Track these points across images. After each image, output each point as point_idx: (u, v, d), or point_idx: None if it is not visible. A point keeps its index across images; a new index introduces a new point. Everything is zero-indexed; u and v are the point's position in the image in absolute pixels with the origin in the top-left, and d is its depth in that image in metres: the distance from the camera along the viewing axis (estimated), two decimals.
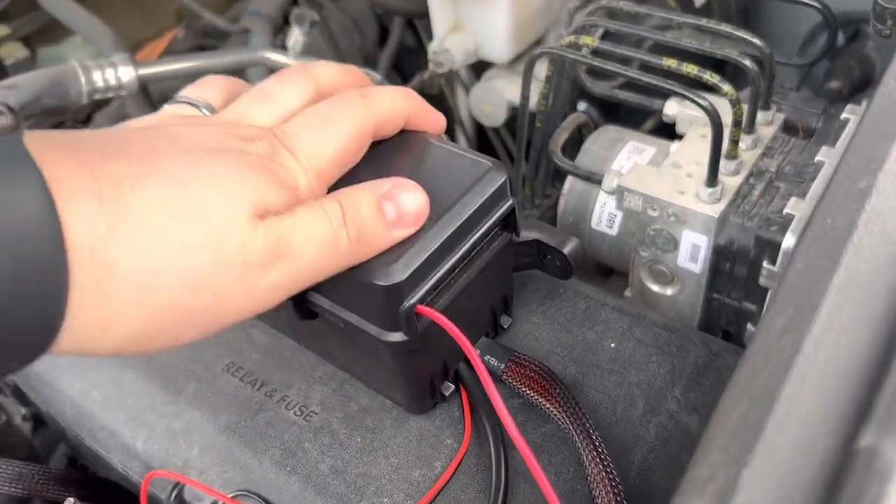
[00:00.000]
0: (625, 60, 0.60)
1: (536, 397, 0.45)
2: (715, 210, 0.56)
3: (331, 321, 0.42)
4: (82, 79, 0.72)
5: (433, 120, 0.45)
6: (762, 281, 0.56)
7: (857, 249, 0.27)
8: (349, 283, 0.39)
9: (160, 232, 0.31)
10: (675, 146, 0.62)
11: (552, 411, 0.44)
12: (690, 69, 0.56)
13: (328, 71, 0.43)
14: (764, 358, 0.25)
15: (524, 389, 0.45)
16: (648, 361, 0.48)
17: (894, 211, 0.28)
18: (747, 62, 0.56)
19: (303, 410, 0.48)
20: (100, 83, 0.73)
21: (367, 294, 0.39)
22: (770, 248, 0.54)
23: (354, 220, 0.37)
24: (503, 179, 0.42)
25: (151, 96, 0.86)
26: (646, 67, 0.58)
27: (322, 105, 0.40)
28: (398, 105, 0.42)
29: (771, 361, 0.25)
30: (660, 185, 0.58)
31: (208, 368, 0.51)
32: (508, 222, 0.44)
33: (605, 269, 0.76)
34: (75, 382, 0.53)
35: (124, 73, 0.74)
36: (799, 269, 0.27)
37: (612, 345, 0.50)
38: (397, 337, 0.40)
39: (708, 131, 0.61)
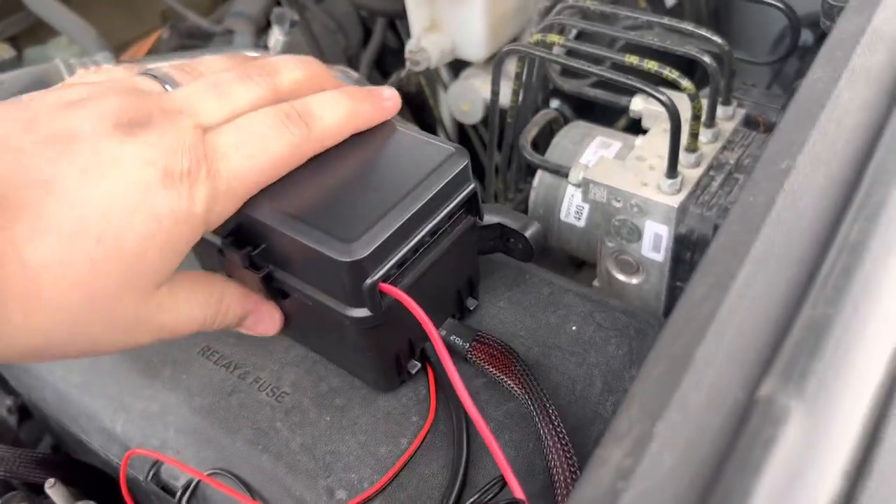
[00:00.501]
0: (591, 58, 0.62)
1: (499, 374, 0.47)
2: (675, 200, 0.58)
3: (300, 301, 0.44)
4: (65, 77, 0.74)
5: (380, 119, 0.45)
6: None
7: (775, 223, 0.29)
8: (314, 260, 0.41)
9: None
10: (639, 140, 0.65)
11: (513, 388, 0.46)
12: (651, 65, 0.58)
13: (292, 76, 0.43)
14: (684, 323, 0.27)
15: (488, 367, 0.47)
16: (607, 344, 0.51)
17: (810, 188, 0.30)
18: (705, 58, 0.58)
19: (274, 391, 0.50)
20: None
21: (331, 270, 0.41)
22: None
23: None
24: (465, 163, 0.45)
25: None
26: (613, 65, 0.60)
27: (265, 120, 0.40)
28: (343, 127, 0.43)
29: (690, 326, 0.27)
30: (623, 177, 0.60)
31: (184, 352, 0.53)
32: (471, 206, 0.46)
33: (578, 260, 0.78)
34: (56, 369, 0.55)
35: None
36: (721, 243, 0.29)
37: (574, 328, 0.52)
38: (361, 313, 0.42)
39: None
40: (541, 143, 0.71)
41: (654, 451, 0.23)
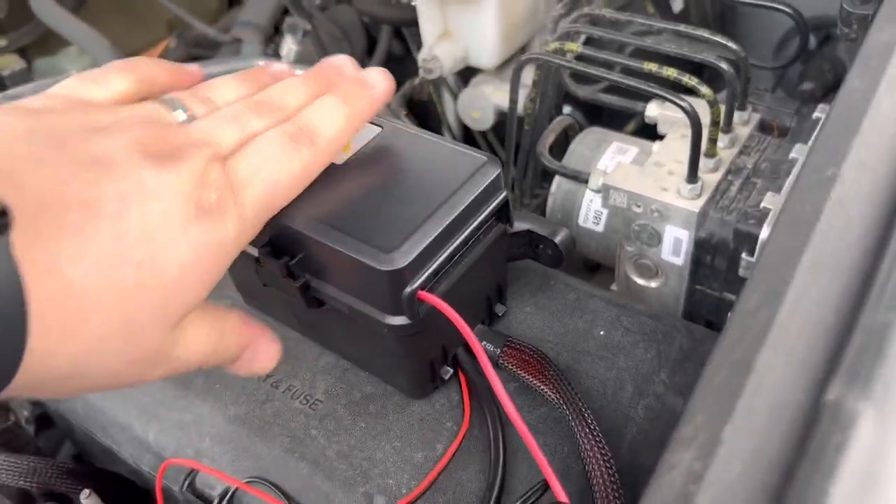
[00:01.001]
0: (608, 65, 0.63)
1: (532, 380, 0.47)
2: (695, 205, 0.59)
3: (336, 309, 0.45)
4: None
5: (376, 109, 0.44)
6: (742, 272, 0.59)
7: (824, 232, 0.30)
8: (354, 269, 0.41)
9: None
10: (656, 146, 0.65)
11: (547, 393, 0.47)
12: (670, 72, 0.59)
13: (299, 101, 0.42)
14: (741, 331, 0.28)
15: (520, 373, 0.48)
16: (636, 347, 0.51)
17: (856, 198, 0.31)
18: (723, 65, 0.59)
19: (308, 399, 0.50)
20: None
21: (370, 279, 0.41)
22: (748, 241, 0.57)
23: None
24: (497, 172, 0.45)
25: None
26: (628, 71, 0.61)
27: (275, 143, 0.39)
28: (345, 133, 0.42)
29: (747, 334, 0.28)
30: (643, 182, 0.61)
31: None
32: (502, 214, 0.47)
33: (593, 264, 0.79)
34: None
35: None
36: (771, 252, 0.30)
37: (602, 332, 0.52)
38: (400, 321, 0.42)
39: (688, 131, 0.65)
40: (555, 150, 0.72)
41: (724, 456, 0.24)
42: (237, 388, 0.51)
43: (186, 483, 0.49)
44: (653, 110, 0.69)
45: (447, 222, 0.43)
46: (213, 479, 0.49)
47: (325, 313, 0.47)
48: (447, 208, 0.43)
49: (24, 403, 0.68)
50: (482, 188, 0.45)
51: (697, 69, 0.62)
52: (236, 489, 0.47)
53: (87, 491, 0.51)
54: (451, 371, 0.49)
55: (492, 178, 0.45)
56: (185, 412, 0.51)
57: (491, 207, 0.46)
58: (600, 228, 0.68)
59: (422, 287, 0.42)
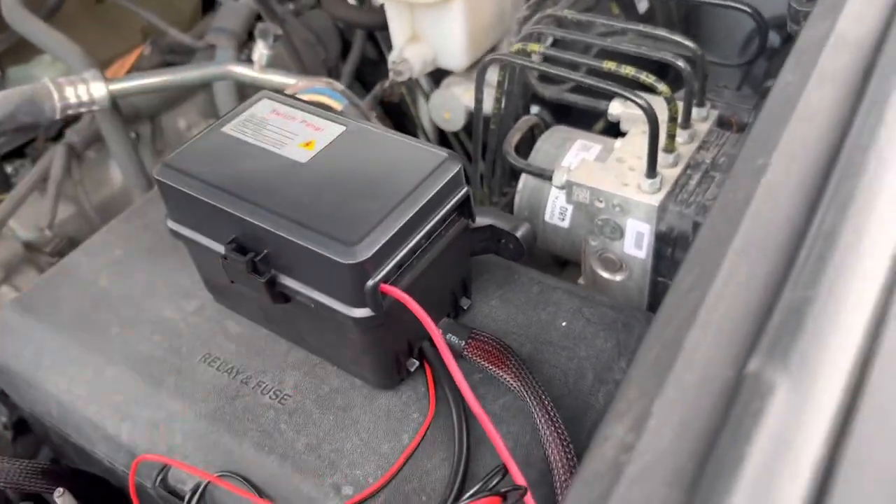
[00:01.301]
0: (572, 65, 0.64)
1: (495, 370, 0.49)
2: (655, 199, 0.60)
3: (302, 304, 0.46)
4: (55, 95, 0.75)
5: None
6: None
7: (754, 216, 0.31)
8: (317, 263, 0.43)
9: None
10: (618, 143, 0.67)
11: (509, 382, 0.48)
12: (628, 71, 0.61)
13: None
14: (674, 310, 0.29)
15: (483, 363, 0.49)
16: (596, 337, 0.53)
17: (784, 185, 0.32)
18: (680, 63, 0.61)
19: (277, 394, 0.51)
20: (73, 99, 0.76)
21: (334, 273, 0.43)
22: None
23: None
24: (458, 168, 0.47)
25: (122, 112, 0.89)
26: (590, 71, 0.63)
27: None
28: None
29: (679, 313, 0.29)
30: (605, 178, 0.62)
31: (186, 360, 0.54)
32: (464, 209, 0.48)
33: (562, 260, 0.80)
34: (60, 381, 0.56)
35: (96, 89, 0.77)
36: (705, 236, 0.32)
37: (564, 323, 0.54)
38: (363, 313, 0.44)
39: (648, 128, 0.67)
40: (523, 148, 0.74)
41: (653, 427, 0.26)
42: (208, 386, 0.52)
43: (159, 479, 0.50)
44: (615, 108, 0.71)
45: (409, 216, 0.44)
46: (185, 474, 0.50)
47: (291, 308, 0.48)
48: (409, 203, 0.44)
49: (0, 409, 0.68)
50: (443, 183, 0.46)
51: (661, 68, 0.63)
52: (208, 483, 0.48)
53: (60, 489, 0.51)
54: (417, 363, 0.51)
55: (452, 173, 0.47)
56: (158, 410, 0.52)
57: (452, 202, 0.47)
58: (566, 224, 0.69)
59: (384, 280, 0.43)
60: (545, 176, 0.68)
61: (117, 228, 0.65)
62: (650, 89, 0.60)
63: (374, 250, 0.42)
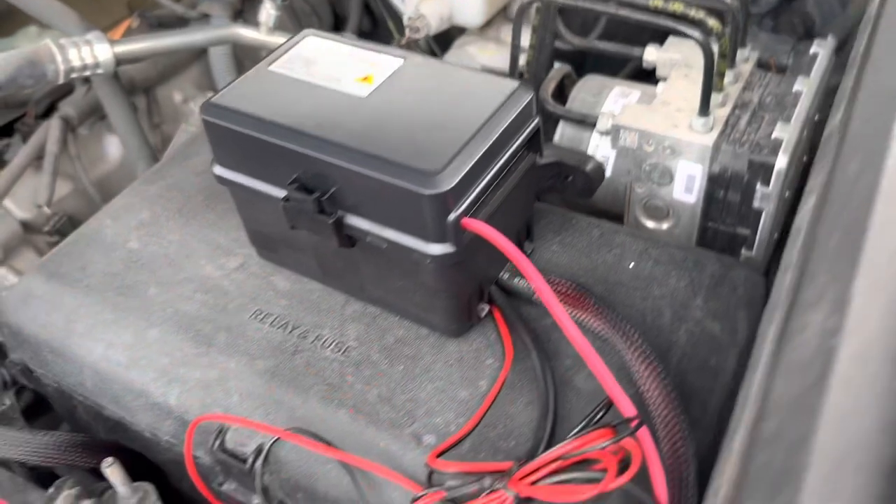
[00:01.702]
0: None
1: (572, 311, 0.46)
2: (708, 139, 0.59)
3: (370, 247, 0.43)
4: (58, 58, 0.71)
5: None
6: (756, 203, 0.59)
7: None
8: (394, 196, 0.40)
9: None
10: (660, 87, 0.65)
11: (590, 322, 0.46)
12: (677, 6, 0.59)
13: None
14: (844, 197, 0.27)
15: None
16: (668, 277, 0.51)
17: None
18: None
19: (340, 347, 0.48)
20: (76, 62, 0.72)
21: (412, 206, 0.40)
22: (763, 171, 0.57)
23: None
24: (531, 97, 0.44)
25: (121, 81, 0.84)
26: (630, 7, 0.60)
27: None
28: None
29: (851, 200, 0.27)
30: (653, 120, 0.60)
31: (235, 317, 0.51)
32: (533, 143, 0.46)
33: (597, 212, 0.78)
34: (96, 348, 0.52)
35: (101, 51, 0.73)
36: (858, 122, 0.29)
37: (631, 265, 0.52)
38: (443, 249, 0.41)
39: (690, 71, 0.65)
40: (554, 101, 0.71)
41: (858, 308, 0.23)
42: (263, 343, 0.49)
43: (217, 443, 0.47)
44: (651, 54, 0.69)
45: (487, 146, 0.41)
46: (244, 436, 0.46)
47: (354, 254, 0.46)
48: (485, 132, 0.42)
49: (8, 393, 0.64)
50: (517, 113, 0.43)
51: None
52: (276, 439, 0.45)
53: (109, 459, 0.48)
54: (487, 308, 0.48)
55: (525, 103, 0.44)
56: (210, 370, 0.49)
57: (525, 134, 0.45)
58: (607, 173, 0.67)
59: (465, 214, 0.41)
60: (587, 122, 0.65)
61: (140, 190, 0.61)
62: (695, 25, 0.59)
63: (456, 180, 0.39)
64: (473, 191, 0.41)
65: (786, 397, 0.23)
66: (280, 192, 0.45)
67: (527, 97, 0.44)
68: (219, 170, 0.48)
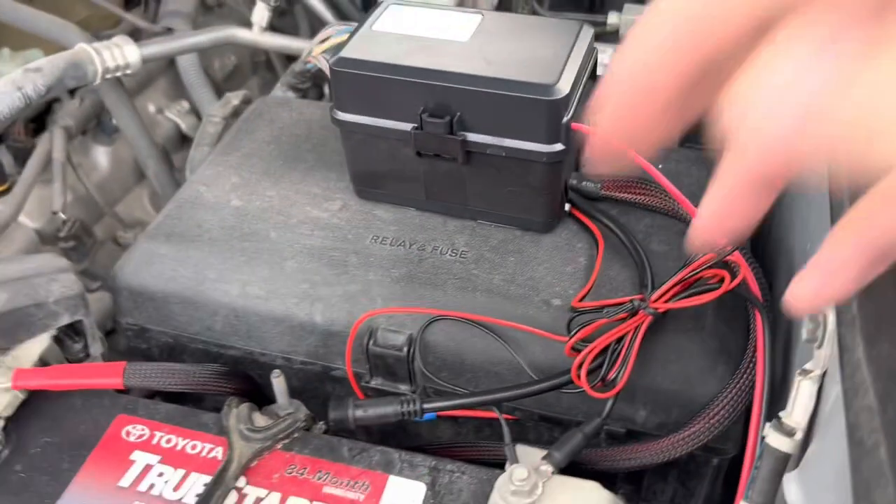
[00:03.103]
0: None
1: (636, 198, 0.60)
2: None
3: (482, 162, 0.54)
4: (97, 59, 0.76)
5: None
6: None
7: None
8: (517, 108, 0.51)
9: None
10: None
11: (653, 204, 0.59)
12: None
13: None
14: None
15: (624, 195, 0.60)
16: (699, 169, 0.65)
17: None
18: None
19: (455, 252, 0.59)
20: (111, 63, 0.77)
21: (535, 114, 0.51)
22: None
23: None
24: (592, 32, 0.57)
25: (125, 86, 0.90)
26: None
27: None
28: None
29: None
30: None
31: (359, 243, 0.60)
32: (594, 71, 0.59)
33: None
34: (232, 289, 0.59)
35: (130, 53, 0.79)
36: None
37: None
38: (558, 147, 0.53)
39: None
40: None
41: None
42: (391, 257, 0.59)
43: (370, 342, 0.56)
44: (614, 17, 0.84)
45: (579, 64, 0.54)
46: (392, 332, 0.55)
47: (465, 171, 0.56)
48: (575, 54, 0.54)
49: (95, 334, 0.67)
50: (587, 43, 0.56)
51: None
52: (430, 321, 0.54)
53: (277, 371, 0.55)
54: (569, 204, 0.60)
55: (590, 36, 0.57)
56: (351, 284, 0.57)
57: (592, 60, 0.57)
58: None
59: (571, 119, 0.53)
60: None
61: (220, 161, 0.69)
62: None
63: (567, 89, 0.52)
64: (574, 100, 0.53)
65: None
66: (406, 126, 0.55)
67: (589, 32, 0.57)
68: (343, 115, 0.57)
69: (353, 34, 0.58)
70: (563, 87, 0.51)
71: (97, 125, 0.98)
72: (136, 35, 1.11)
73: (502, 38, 0.56)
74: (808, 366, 0.40)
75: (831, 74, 0.20)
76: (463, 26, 0.57)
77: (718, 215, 0.24)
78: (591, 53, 0.57)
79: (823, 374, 0.40)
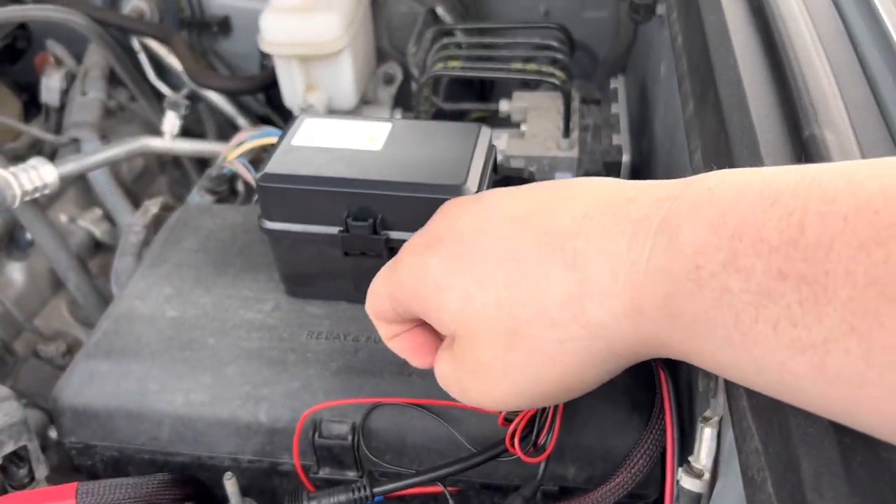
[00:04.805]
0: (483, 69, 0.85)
1: None
2: (574, 154, 0.83)
3: None
4: (14, 184, 0.78)
5: None
6: None
7: None
8: (431, 208, 0.57)
9: None
10: (524, 127, 0.89)
11: None
12: (531, 67, 0.83)
13: None
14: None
15: None
16: None
17: None
18: (559, 55, 0.84)
19: None
20: (28, 185, 0.79)
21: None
22: (615, 168, 0.82)
23: None
24: (490, 132, 0.64)
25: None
26: (505, 70, 0.84)
27: None
28: None
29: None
30: (531, 148, 0.83)
31: (295, 340, 0.64)
32: (494, 164, 0.66)
33: None
34: (175, 398, 0.62)
35: (47, 174, 0.81)
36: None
37: None
38: None
39: (540, 112, 0.89)
40: None
41: None
42: (327, 351, 0.63)
43: (316, 435, 0.59)
44: (504, 105, 0.93)
45: (481, 165, 0.61)
46: (335, 422, 0.59)
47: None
48: (477, 157, 0.61)
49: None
50: (487, 144, 0.63)
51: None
52: (372, 408, 0.58)
53: (229, 473, 0.58)
54: None
55: (488, 136, 0.64)
56: (292, 381, 0.61)
57: (492, 157, 0.64)
58: None
59: None
60: None
61: (150, 273, 0.71)
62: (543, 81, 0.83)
63: (475, 186, 0.58)
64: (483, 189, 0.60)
65: None
66: (333, 230, 0.60)
67: (488, 133, 0.64)
68: (272, 225, 0.62)
69: (274, 150, 0.63)
70: (471, 185, 0.58)
71: (10, 241, 0.98)
72: (39, 145, 1.14)
73: (412, 144, 0.62)
74: (707, 413, 0.47)
75: None
76: (374, 136, 0.63)
77: None
78: (491, 151, 0.64)
79: (720, 420, 0.46)
